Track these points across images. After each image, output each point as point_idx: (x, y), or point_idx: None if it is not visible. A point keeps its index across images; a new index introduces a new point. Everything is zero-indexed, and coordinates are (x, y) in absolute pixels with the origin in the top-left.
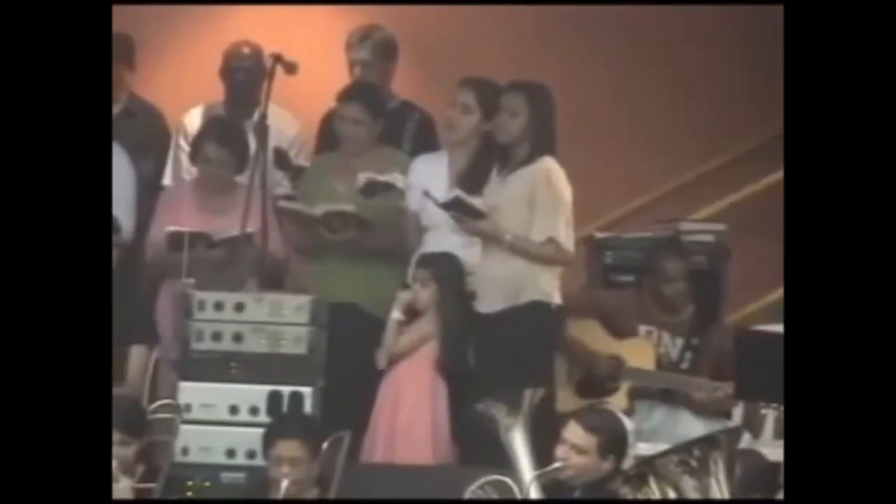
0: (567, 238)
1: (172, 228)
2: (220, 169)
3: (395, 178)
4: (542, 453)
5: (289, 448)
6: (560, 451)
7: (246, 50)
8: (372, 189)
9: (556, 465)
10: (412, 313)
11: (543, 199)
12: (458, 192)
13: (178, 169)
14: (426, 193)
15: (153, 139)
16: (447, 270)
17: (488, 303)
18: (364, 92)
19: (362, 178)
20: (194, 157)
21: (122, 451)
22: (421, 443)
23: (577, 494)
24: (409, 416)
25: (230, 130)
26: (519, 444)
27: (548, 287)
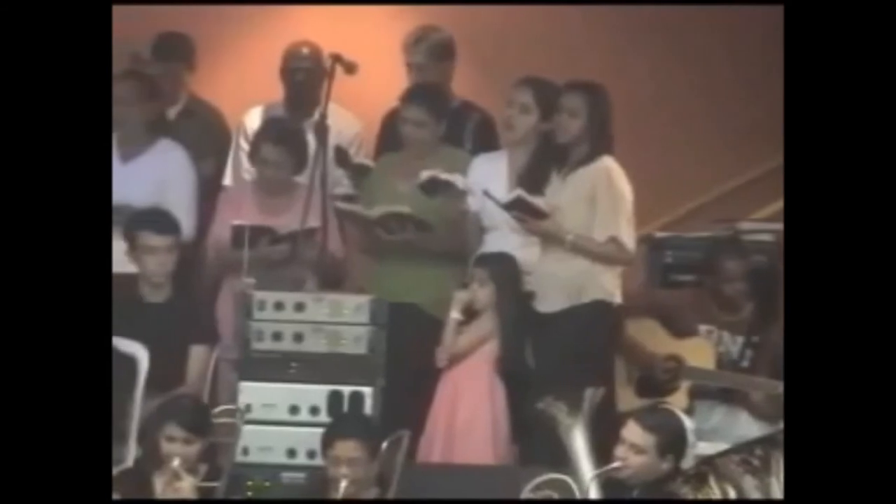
0: (629, 237)
1: (237, 223)
2: (278, 170)
3: (456, 178)
4: (602, 453)
5: (347, 448)
6: (619, 450)
7: (305, 50)
8: (433, 187)
9: (615, 464)
10: (471, 313)
11: (605, 198)
12: (520, 193)
13: (238, 169)
14: (487, 194)
15: (213, 139)
16: (504, 270)
17: (550, 302)
18: (427, 93)
19: (424, 175)
20: (253, 157)
21: (185, 449)
22: (480, 443)
23: (635, 494)
24: (469, 415)
25: (287, 131)
26: (579, 443)
27: (610, 286)
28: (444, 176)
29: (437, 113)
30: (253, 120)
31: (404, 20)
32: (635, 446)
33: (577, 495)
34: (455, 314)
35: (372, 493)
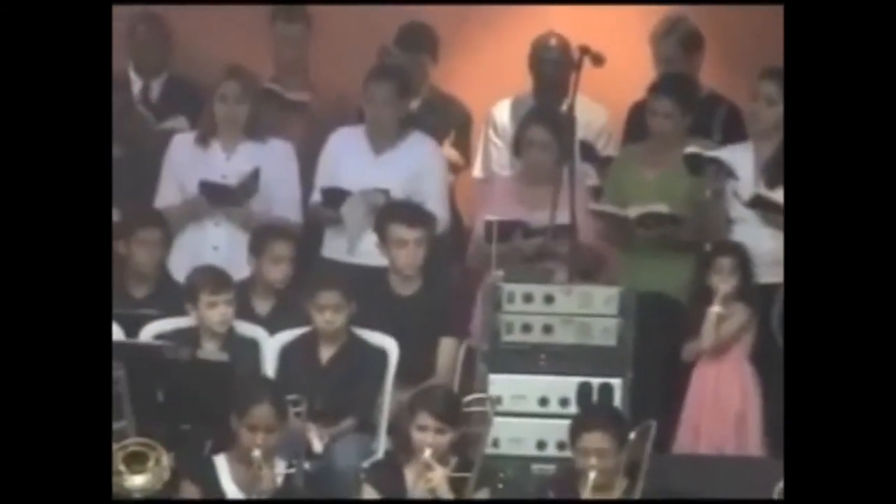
0: None
1: (490, 218)
2: (543, 151)
3: (721, 153)
4: None
5: (595, 439)
6: None
7: (553, 41)
8: (697, 163)
9: None
10: (720, 304)
11: None
12: (759, 191)
13: (488, 161)
14: (732, 193)
15: (455, 130)
16: (748, 259)
17: None
18: (675, 84)
19: (689, 150)
20: (519, 142)
21: (436, 439)
22: (734, 434)
23: None
24: (726, 406)
25: (556, 114)
26: None
27: None
28: (709, 153)
29: (685, 104)
30: (502, 111)
31: (647, 11)
32: None
33: None
34: (716, 307)
35: (621, 484)
